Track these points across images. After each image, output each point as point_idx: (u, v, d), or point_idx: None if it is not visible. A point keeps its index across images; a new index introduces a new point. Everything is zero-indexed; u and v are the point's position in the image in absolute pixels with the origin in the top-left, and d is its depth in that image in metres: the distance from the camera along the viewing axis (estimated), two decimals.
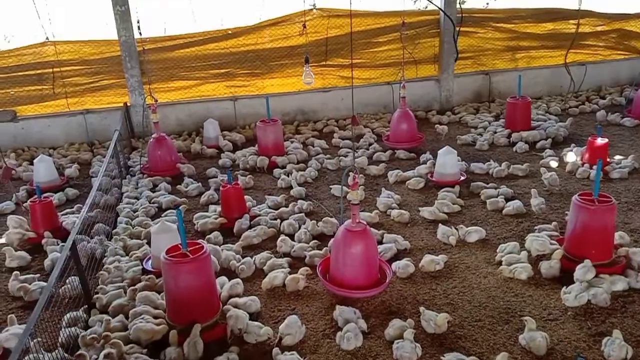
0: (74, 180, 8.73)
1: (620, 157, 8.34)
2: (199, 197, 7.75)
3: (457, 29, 9.78)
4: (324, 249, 5.84)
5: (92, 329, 4.65)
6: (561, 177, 7.77)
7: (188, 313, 4.61)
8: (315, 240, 6.08)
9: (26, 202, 7.40)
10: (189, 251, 4.66)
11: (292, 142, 9.75)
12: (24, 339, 3.74)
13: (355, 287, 5.04)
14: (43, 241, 6.39)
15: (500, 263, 5.58)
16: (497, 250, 5.78)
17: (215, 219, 6.74)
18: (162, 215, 7.06)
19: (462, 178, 7.71)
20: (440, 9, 10.60)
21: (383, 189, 7.42)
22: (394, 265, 5.50)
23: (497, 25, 12.01)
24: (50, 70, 10.09)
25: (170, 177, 8.50)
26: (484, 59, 12.09)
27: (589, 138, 8.09)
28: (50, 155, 9.68)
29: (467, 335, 4.56)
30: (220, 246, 6.08)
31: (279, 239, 6.09)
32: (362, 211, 6.96)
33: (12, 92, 10.07)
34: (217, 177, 8.32)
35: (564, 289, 4.97)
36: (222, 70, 10.84)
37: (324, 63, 11.21)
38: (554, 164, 8.27)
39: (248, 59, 10.80)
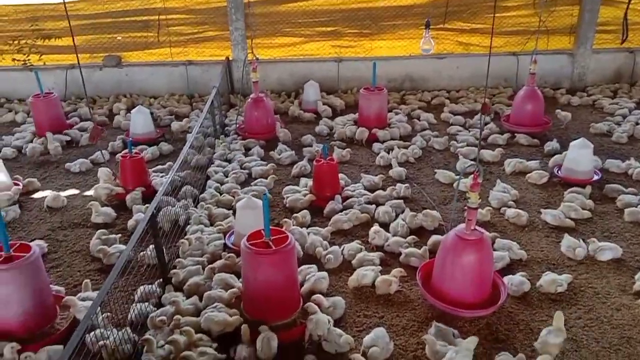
0: (172, 135, 8.51)
1: None
2: (291, 166, 7.22)
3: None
4: (423, 248, 5.08)
5: (163, 309, 4.32)
6: None
7: (266, 308, 4.13)
8: (413, 236, 5.33)
9: (118, 154, 7.29)
10: (272, 241, 4.13)
11: (396, 113, 8.89)
12: (90, 315, 3.45)
13: (461, 303, 4.29)
14: (127, 198, 6.20)
15: (638, 294, 4.55)
16: (636, 278, 4.72)
17: (305, 195, 6.20)
18: (252, 183, 6.64)
19: (596, 178, 6.52)
20: None
21: (498, 180, 6.45)
22: (507, 279, 4.65)
23: None
24: (156, 17, 9.90)
25: (265, 141, 8.04)
26: (631, 34, 10.30)
27: None
28: (150, 104, 9.61)
29: None
30: (307, 228, 5.54)
31: (372, 229, 5.42)
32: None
33: (118, 38, 10.04)
34: (312, 147, 7.73)
35: None
36: (329, 29, 10.12)
37: (442, 26, 10.10)
38: None
39: (358, 17, 9.99)
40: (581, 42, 9.97)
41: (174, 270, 4.80)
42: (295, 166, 7.12)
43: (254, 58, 8.03)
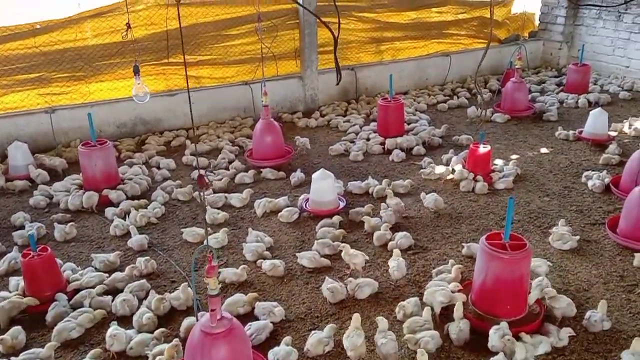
0: None
1: (501, 161, 7.78)
2: None
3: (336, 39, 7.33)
4: (173, 341, 4.21)
5: None
6: (445, 191, 6.96)
7: None
8: (162, 330, 4.44)
9: None
10: None
11: (131, 165, 7.81)
12: None
13: None
14: None
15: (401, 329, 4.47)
16: (396, 311, 4.66)
17: (20, 298, 4.80)
18: None
19: (342, 205, 6.51)
20: (299, 3, 9.05)
21: (250, 229, 5.95)
22: (271, 355, 4.12)
23: (360, 14, 11.02)
24: None
25: None
26: (348, 53, 11.06)
27: (471, 145, 7.36)
28: None
29: None
30: (19, 355, 4.20)
31: (109, 331, 4.36)
32: (223, 265, 5.48)
33: None
34: (24, 228, 6.19)
35: None
36: (33, 75, 8.47)
37: (167, 61, 9.33)
38: (437, 170, 7.39)
39: (66, 59, 8.56)
40: (307, 65, 10.26)
41: None
42: (2, 260, 5.56)
43: None
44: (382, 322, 4.22)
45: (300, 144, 8.34)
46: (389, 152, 8.22)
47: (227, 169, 7.79)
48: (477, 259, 4.62)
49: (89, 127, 6.95)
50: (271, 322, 4.52)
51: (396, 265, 5.05)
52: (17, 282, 5.13)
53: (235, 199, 6.73)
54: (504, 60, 12.11)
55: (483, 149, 7.18)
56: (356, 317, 4.21)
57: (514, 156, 8.03)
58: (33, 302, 4.78)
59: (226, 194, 6.88)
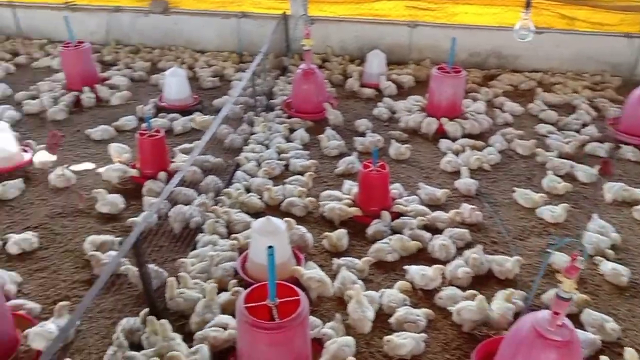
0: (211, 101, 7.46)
1: None
2: (337, 159, 6.05)
3: None
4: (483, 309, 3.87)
5: None
6: None
7: None
8: (474, 291, 4.08)
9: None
10: (276, 307, 3.09)
11: (474, 99, 7.40)
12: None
13: None
14: (143, 189, 5.31)
15: None
16: None
17: (349, 205, 5.07)
18: (286, 181, 5.55)
19: None
20: None
21: (595, 215, 5.00)
22: None
23: None
24: None
25: (313, 122, 6.87)
26: None
27: None
28: (195, 61, 8.61)
29: None
30: (339, 258, 4.43)
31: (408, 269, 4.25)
32: (551, 245, 4.77)
33: None
34: (365, 137, 6.47)
35: None
36: None
37: None
38: None
39: None
40: None
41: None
42: (341, 161, 5.95)
43: (307, 22, 6.70)
44: None
45: None
46: None
47: (577, 131, 6.72)
48: None
49: (444, 49, 6.68)
50: (600, 340, 3.75)
51: None
52: (350, 186, 5.42)
53: (582, 172, 5.75)
54: None
55: None
56: None
57: None
58: (357, 213, 4.98)
59: (572, 162, 5.94)
